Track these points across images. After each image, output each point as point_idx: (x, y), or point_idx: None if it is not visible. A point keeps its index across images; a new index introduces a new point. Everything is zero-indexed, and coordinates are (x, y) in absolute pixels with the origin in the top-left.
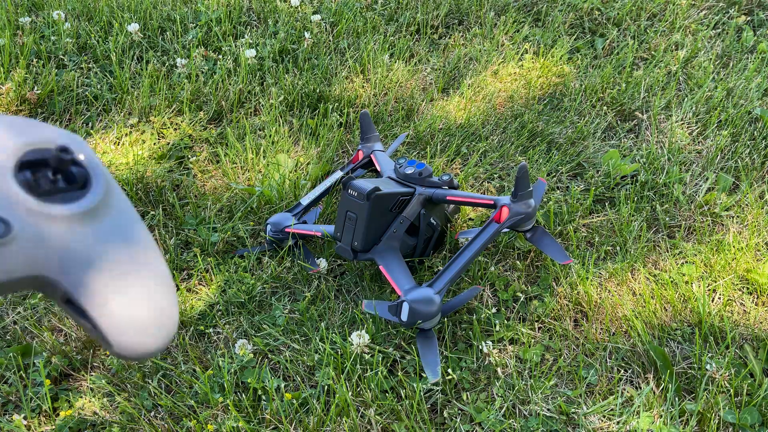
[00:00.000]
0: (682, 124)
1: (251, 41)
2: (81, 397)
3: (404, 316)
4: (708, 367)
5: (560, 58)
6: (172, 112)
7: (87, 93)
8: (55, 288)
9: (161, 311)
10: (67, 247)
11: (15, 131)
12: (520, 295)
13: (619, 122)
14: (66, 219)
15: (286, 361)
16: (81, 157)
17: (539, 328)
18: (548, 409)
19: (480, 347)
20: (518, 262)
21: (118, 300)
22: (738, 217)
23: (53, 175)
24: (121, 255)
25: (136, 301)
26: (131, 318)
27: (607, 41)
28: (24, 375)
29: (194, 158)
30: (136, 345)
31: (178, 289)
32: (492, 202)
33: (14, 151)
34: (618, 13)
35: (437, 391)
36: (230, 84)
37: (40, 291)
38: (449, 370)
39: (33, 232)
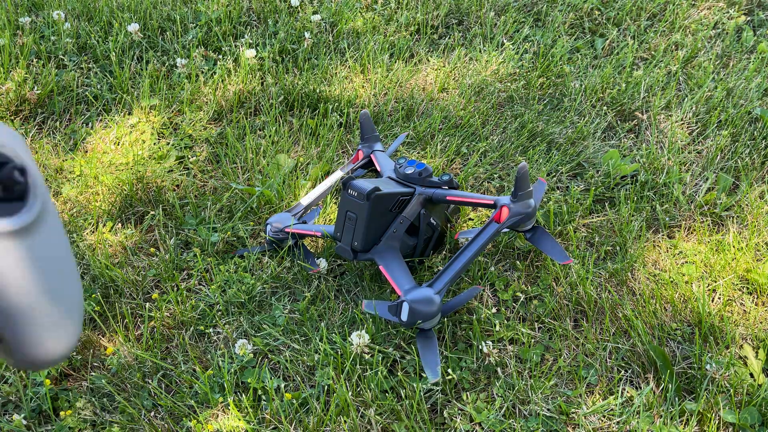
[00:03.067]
0: (682, 124)
1: (251, 41)
2: (81, 397)
3: (404, 316)
4: (708, 367)
5: (560, 58)
6: (172, 112)
7: (87, 93)
8: None
9: (65, 335)
10: None
11: None
12: (520, 295)
13: (619, 122)
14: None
15: (286, 361)
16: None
17: (539, 328)
18: (548, 409)
19: (480, 347)
20: (518, 262)
21: (30, 323)
22: (738, 217)
23: None
24: (42, 279)
25: (46, 324)
26: (37, 338)
27: (607, 41)
28: (24, 375)
29: (194, 158)
30: (35, 357)
31: (178, 290)
32: (492, 202)
33: None
34: (618, 13)
35: (437, 391)
36: (230, 84)
37: None
38: (449, 370)
39: None
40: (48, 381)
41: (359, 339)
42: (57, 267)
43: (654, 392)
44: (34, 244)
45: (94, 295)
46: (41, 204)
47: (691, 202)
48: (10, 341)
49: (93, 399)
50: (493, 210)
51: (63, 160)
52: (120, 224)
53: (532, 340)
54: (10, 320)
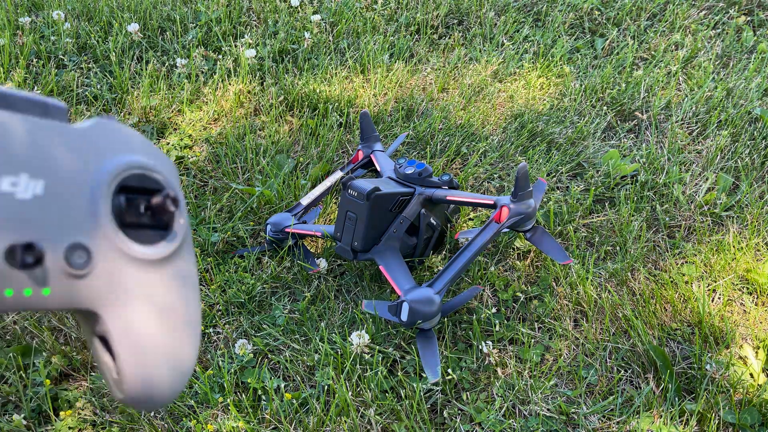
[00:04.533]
0: (682, 124)
1: (251, 41)
2: (81, 397)
3: (404, 316)
4: (708, 367)
5: (560, 58)
6: (172, 112)
7: (87, 93)
8: (97, 323)
9: (181, 372)
10: (127, 290)
11: (126, 146)
12: (520, 295)
13: (619, 122)
14: (140, 262)
15: (286, 361)
16: (183, 219)
17: (539, 328)
18: (548, 409)
19: (480, 347)
20: (518, 262)
21: (150, 349)
22: (738, 217)
23: (144, 209)
24: (169, 310)
25: (165, 354)
26: (152, 367)
27: (607, 41)
28: (24, 375)
29: (194, 158)
30: (146, 391)
31: None
32: (492, 202)
33: (120, 169)
34: (618, 13)
35: (437, 391)
36: (230, 84)
37: (77, 317)
38: (449, 370)
39: (107, 269)
40: (48, 381)
41: (359, 339)
42: (189, 297)
43: (654, 392)
44: (172, 272)
45: None
46: (183, 233)
47: (691, 202)
48: (132, 373)
49: (93, 399)
50: (493, 210)
51: None
52: None
53: (532, 340)
54: (142, 351)
